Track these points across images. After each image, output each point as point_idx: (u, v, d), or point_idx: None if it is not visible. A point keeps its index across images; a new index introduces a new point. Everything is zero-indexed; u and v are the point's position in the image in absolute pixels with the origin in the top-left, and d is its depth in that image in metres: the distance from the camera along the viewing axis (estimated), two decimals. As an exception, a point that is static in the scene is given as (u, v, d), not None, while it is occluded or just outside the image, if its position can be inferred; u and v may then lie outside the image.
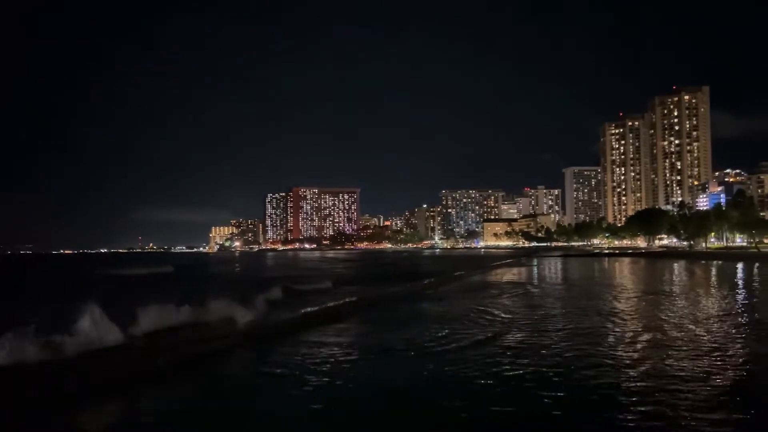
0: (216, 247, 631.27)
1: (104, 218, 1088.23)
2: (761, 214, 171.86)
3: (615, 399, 16.69)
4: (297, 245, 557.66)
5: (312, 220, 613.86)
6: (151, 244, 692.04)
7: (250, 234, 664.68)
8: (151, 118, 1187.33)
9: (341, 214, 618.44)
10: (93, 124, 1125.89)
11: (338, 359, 22.54)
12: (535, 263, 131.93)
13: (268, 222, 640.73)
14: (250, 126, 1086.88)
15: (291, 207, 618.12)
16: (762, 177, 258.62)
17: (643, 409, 15.55)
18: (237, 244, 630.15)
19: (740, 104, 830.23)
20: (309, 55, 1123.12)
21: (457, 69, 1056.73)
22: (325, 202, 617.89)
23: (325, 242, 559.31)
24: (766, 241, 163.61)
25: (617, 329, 29.84)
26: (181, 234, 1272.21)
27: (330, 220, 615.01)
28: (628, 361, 21.57)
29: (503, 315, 36.07)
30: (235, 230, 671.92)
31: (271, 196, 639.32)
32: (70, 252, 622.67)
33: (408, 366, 21.69)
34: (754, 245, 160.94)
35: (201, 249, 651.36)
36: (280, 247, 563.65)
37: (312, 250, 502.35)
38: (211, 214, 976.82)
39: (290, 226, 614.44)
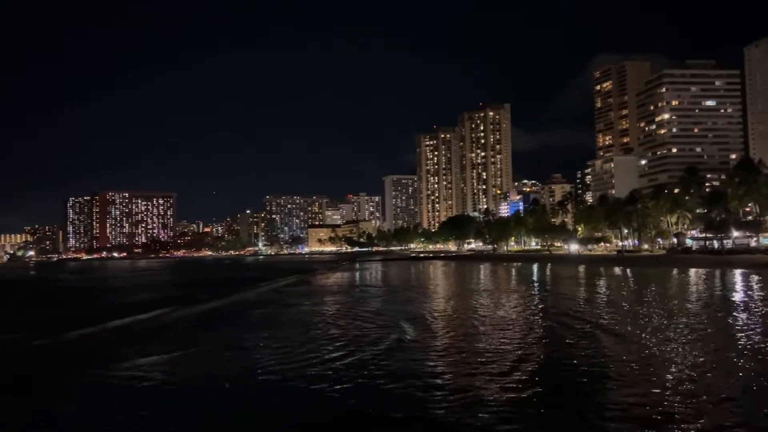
0: (5, 258, 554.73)
1: None
2: (552, 220, 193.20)
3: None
4: (104, 254, 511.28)
5: (122, 226, 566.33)
6: None
7: (48, 242, 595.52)
8: None
9: (155, 220, 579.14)
10: None
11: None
12: (358, 267, 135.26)
13: (70, 229, 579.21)
14: (49, 123, 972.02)
15: (97, 212, 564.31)
16: (553, 187, 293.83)
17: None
18: (32, 253, 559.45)
19: (535, 121, 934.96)
20: (120, 53, 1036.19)
21: (281, 75, 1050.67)
22: (137, 207, 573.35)
23: (136, 250, 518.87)
24: (556, 244, 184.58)
25: (438, 328, 31.19)
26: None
27: (143, 227, 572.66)
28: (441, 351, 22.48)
29: (331, 322, 35.99)
30: (29, 238, 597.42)
31: (73, 200, 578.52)
32: None
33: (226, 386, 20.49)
34: (546, 248, 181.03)
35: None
36: (85, 256, 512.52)
37: (122, 258, 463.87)
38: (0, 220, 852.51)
39: (96, 233, 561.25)
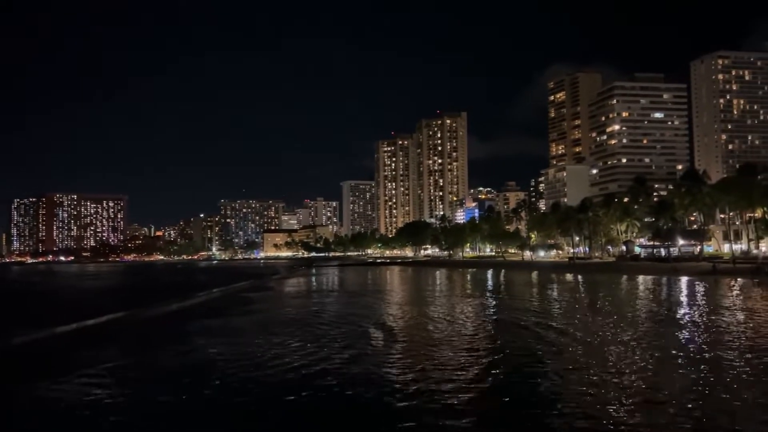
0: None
1: None
2: (506, 227, 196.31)
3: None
4: (51, 257, 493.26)
5: (69, 229, 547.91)
6: None
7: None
8: None
9: (105, 223, 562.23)
10: None
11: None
12: (314, 273, 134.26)
13: (14, 231, 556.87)
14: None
15: (44, 215, 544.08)
16: (508, 195, 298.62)
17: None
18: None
19: (490, 130, 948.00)
20: (60, 49, 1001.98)
21: (240, 78, 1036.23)
22: (86, 209, 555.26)
23: (85, 254, 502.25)
24: (510, 250, 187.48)
25: (395, 337, 31.21)
26: None
27: (92, 230, 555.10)
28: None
29: (287, 331, 35.66)
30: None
31: (18, 202, 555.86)
32: None
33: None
34: (500, 254, 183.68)
35: None
36: (30, 260, 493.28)
37: (69, 262, 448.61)
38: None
39: (42, 235, 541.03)
